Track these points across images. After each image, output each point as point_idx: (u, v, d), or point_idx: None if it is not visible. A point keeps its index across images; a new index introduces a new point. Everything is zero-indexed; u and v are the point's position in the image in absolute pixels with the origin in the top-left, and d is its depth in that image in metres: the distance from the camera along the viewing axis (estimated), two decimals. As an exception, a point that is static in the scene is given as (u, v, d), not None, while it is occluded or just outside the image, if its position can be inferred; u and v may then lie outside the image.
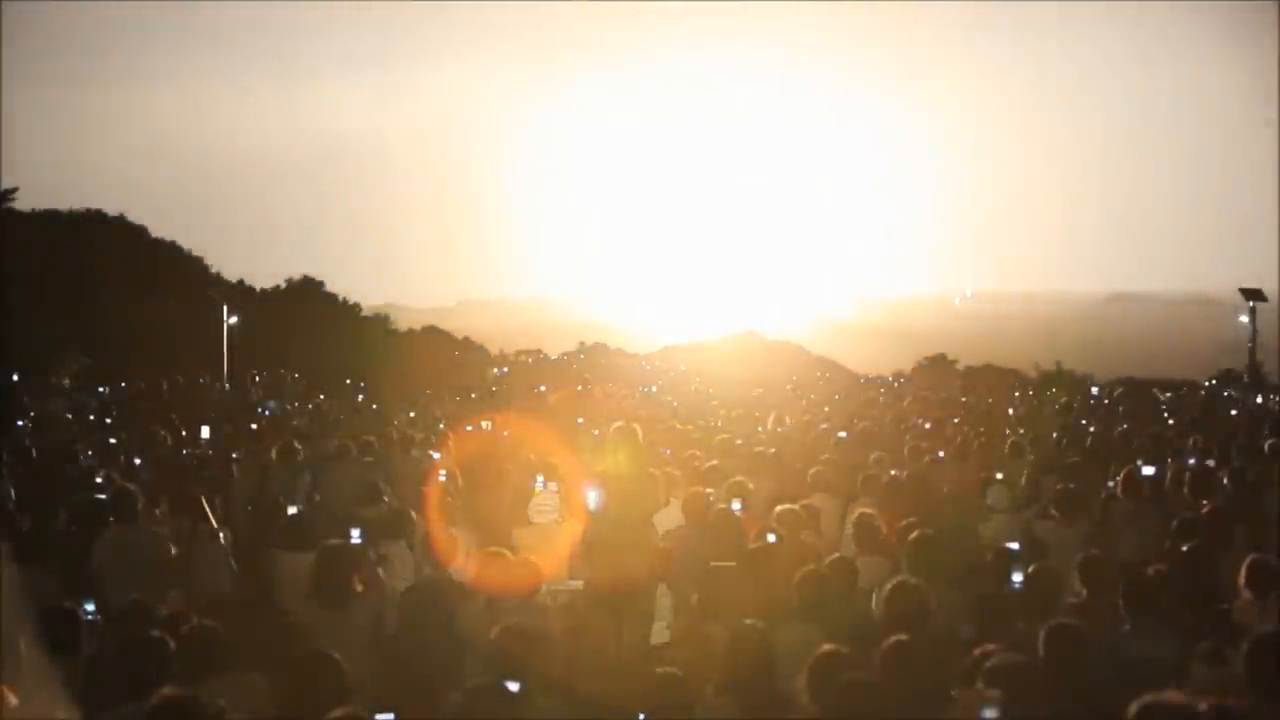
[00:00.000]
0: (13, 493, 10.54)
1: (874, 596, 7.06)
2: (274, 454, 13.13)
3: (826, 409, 24.87)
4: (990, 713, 4.43)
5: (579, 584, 8.23)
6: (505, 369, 51.02)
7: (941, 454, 14.11)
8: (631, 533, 8.27)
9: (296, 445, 13.20)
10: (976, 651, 5.52)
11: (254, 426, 20.19)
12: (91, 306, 39.45)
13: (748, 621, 5.77)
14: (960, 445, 14.53)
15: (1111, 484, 11.09)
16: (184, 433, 18.01)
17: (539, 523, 9.36)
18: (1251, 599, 6.83)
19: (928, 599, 6.29)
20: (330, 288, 53.98)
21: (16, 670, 5.22)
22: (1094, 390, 33.67)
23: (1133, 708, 4.08)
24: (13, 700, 4.78)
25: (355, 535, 8.65)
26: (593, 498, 7.93)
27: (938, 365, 51.13)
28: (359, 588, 7.14)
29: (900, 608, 6.18)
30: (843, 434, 16.24)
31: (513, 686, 5.01)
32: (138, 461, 13.99)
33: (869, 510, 9.37)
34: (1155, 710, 4.06)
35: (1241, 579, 6.94)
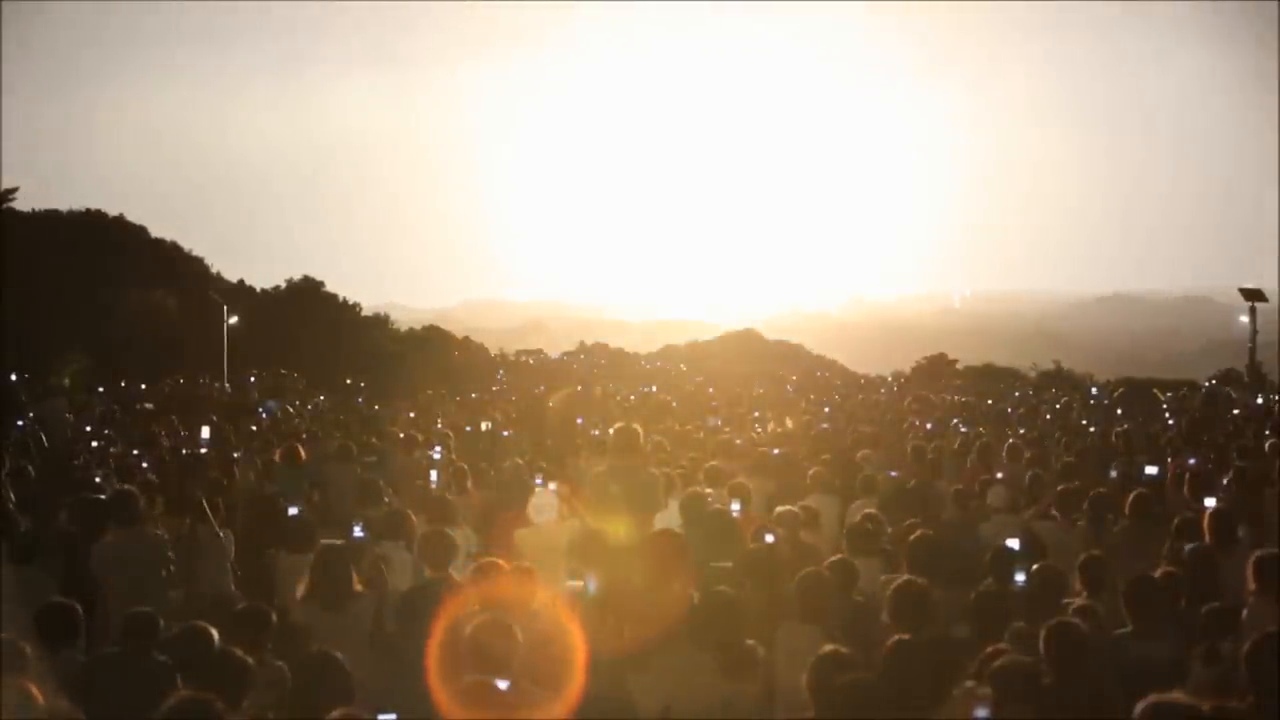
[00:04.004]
0: (12, 493, 10.54)
1: (875, 597, 7.07)
2: (278, 456, 13.12)
3: (826, 409, 24.90)
4: (982, 712, 4.43)
5: (579, 584, 8.21)
6: (503, 373, 50.89)
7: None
8: (632, 533, 8.26)
9: (300, 448, 13.20)
10: (988, 649, 5.53)
11: (254, 427, 20.19)
12: (91, 306, 39.45)
13: (720, 588, 6.10)
14: (960, 445, 14.52)
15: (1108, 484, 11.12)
16: (184, 433, 18.02)
17: (539, 523, 9.34)
18: (1259, 596, 6.83)
19: (931, 599, 6.29)
20: (330, 288, 53.94)
21: (24, 669, 5.22)
22: (1094, 390, 33.66)
23: (1139, 707, 4.08)
24: (38, 698, 4.77)
25: (357, 531, 8.65)
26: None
27: (937, 365, 51.06)
28: (358, 588, 7.13)
29: (904, 608, 6.18)
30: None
31: (502, 684, 5.01)
32: (137, 458, 13.99)
33: (870, 510, 9.39)
34: (1161, 710, 4.06)
35: (1249, 576, 6.92)
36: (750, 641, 5.84)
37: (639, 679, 5.83)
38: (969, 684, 5.06)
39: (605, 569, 7.65)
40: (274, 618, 6.34)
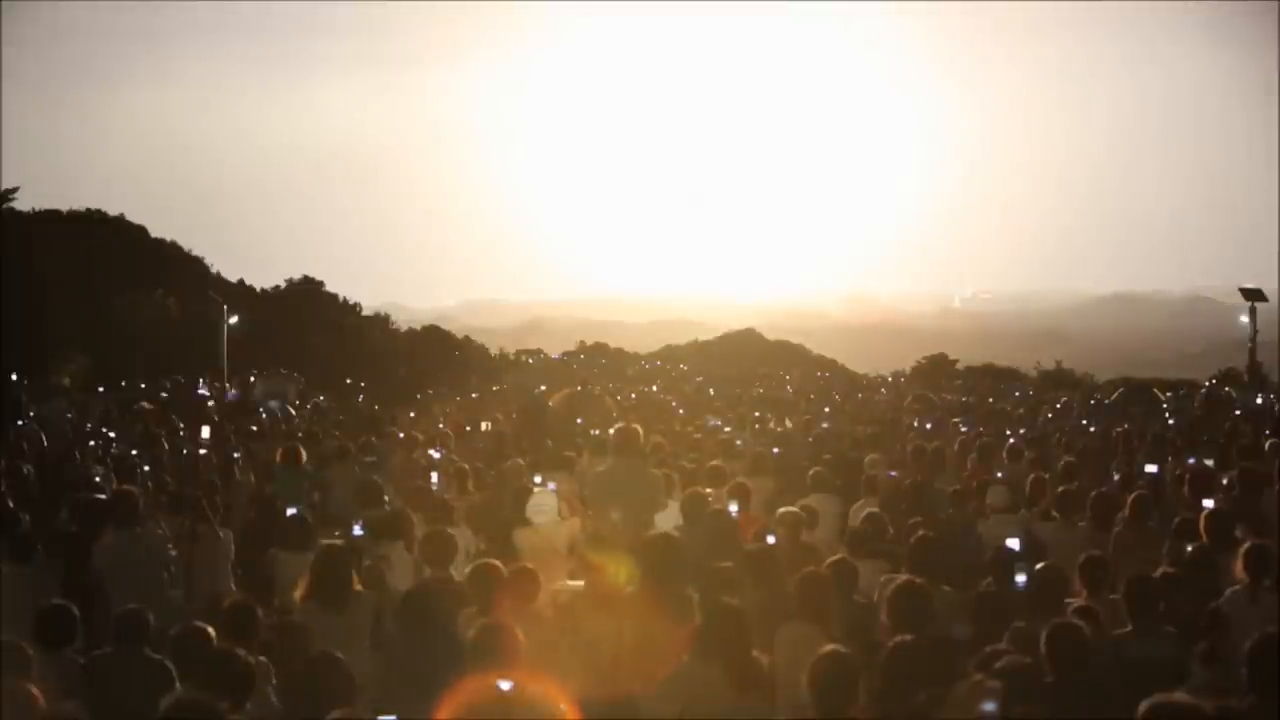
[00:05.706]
0: (12, 493, 10.53)
1: (876, 597, 7.07)
2: (278, 456, 13.11)
3: (826, 409, 24.92)
4: (990, 704, 4.43)
5: (579, 584, 8.22)
6: (505, 375, 50.86)
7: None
8: (633, 533, 8.26)
9: (300, 448, 13.18)
10: (988, 649, 5.52)
11: (254, 427, 20.19)
12: (91, 306, 39.38)
13: (724, 598, 6.04)
14: (960, 445, 14.50)
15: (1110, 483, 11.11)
16: (184, 433, 18.02)
17: (538, 523, 9.33)
18: (1247, 584, 6.87)
19: (932, 600, 6.29)
20: (330, 288, 53.90)
21: (25, 670, 5.22)
22: (1095, 391, 33.67)
23: (1142, 707, 4.08)
24: (39, 699, 4.78)
25: (357, 529, 8.63)
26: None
27: (938, 365, 51.08)
28: (358, 588, 7.13)
29: (904, 608, 6.17)
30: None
31: (504, 685, 5.01)
32: (137, 458, 13.97)
33: (872, 510, 9.40)
34: (1164, 710, 4.06)
35: (1239, 565, 6.96)
36: (756, 652, 5.76)
37: (646, 688, 5.79)
38: (976, 677, 5.06)
39: (604, 570, 7.65)
40: (260, 613, 6.34)
